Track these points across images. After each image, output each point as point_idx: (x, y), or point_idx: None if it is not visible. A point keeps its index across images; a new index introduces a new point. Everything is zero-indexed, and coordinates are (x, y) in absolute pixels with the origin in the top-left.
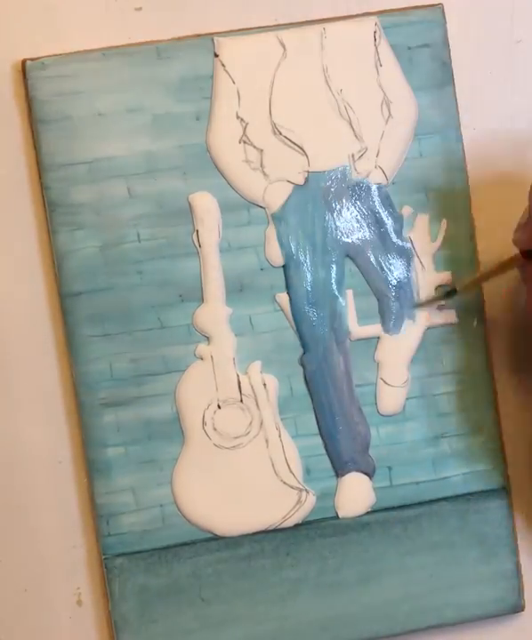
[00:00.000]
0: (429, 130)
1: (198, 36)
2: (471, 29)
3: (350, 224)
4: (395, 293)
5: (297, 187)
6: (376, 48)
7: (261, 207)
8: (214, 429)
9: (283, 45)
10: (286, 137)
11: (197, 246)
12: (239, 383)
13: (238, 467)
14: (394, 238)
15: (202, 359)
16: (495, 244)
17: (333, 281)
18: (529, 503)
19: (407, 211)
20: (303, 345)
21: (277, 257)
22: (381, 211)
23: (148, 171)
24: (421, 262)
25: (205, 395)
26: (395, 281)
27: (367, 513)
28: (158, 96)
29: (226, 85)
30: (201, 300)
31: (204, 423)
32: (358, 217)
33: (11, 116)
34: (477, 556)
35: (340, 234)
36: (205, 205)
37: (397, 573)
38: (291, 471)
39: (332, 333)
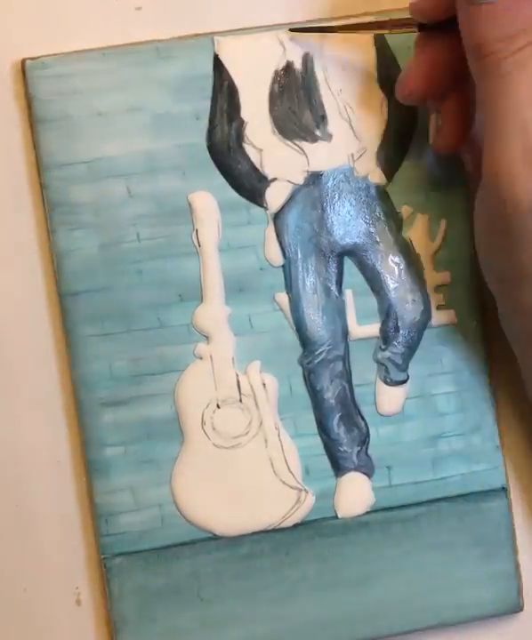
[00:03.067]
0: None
1: (198, 35)
2: None
3: (349, 224)
4: (394, 293)
5: (297, 187)
6: (376, 47)
7: (260, 207)
8: (214, 429)
9: (283, 45)
10: (286, 137)
11: (197, 246)
12: (238, 383)
13: (237, 466)
14: (394, 238)
15: (201, 359)
16: None
17: (332, 281)
18: (529, 503)
19: (406, 210)
20: (303, 345)
21: (276, 257)
22: (380, 210)
23: (147, 170)
24: (420, 262)
25: (205, 394)
26: (394, 281)
27: (367, 513)
28: (158, 95)
29: (226, 85)
30: (200, 299)
31: (203, 423)
32: (358, 217)
33: (10, 116)
34: (476, 556)
35: (339, 234)
36: (205, 205)
37: (396, 573)
38: (290, 471)
39: (331, 333)
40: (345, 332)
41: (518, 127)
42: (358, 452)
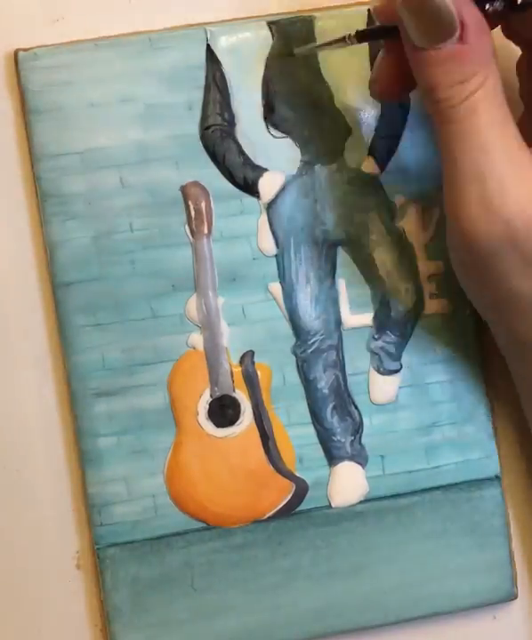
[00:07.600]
0: (421, 120)
1: (191, 26)
2: None
3: (342, 214)
4: (387, 283)
5: (290, 176)
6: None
7: (253, 197)
8: (207, 419)
9: (275, 36)
10: (278, 127)
11: (190, 236)
12: (232, 372)
13: (231, 456)
14: (386, 228)
15: (194, 348)
16: None
17: (325, 270)
18: (522, 492)
19: (399, 200)
20: (296, 334)
21: (269, 247)
22: (373, 200)
23: (140, 160)
24: (413, 252)
25: (198, 384)
26: (387, 270)
27: (360, 502)
28: (151, 86)
29: (218, 75)
30: (193, 289)
31: (196, 413)
32: (351, 207)
33: (3, 107)
34: (470, 544)
35: (333, 223)
36: (198, 195)
37: (390, 562)
38: (283, 460)
39: (324, 323)
40: (338, 322)
41: (474, 173)
42: (352, 441)
